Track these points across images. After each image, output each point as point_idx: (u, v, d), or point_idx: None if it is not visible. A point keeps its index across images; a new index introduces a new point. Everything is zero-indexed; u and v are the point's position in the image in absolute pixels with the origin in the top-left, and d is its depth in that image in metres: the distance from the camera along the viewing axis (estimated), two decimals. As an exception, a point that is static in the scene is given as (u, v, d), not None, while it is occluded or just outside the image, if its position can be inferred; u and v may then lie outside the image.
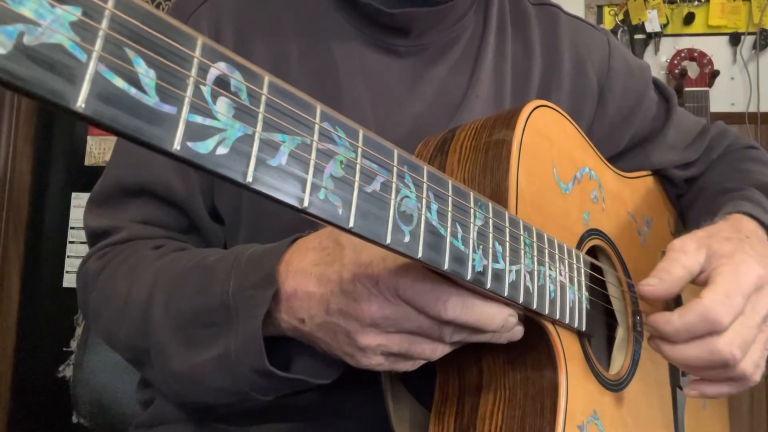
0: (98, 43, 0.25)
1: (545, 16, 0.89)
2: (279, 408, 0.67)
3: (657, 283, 0.59)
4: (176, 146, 0.27)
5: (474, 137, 0.64)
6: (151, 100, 0.27)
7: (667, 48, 2.39)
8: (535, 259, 0.54)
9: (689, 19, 2.39)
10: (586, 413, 0.61)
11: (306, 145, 0.34)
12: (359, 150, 0.38)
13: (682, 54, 2.30)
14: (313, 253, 0.55)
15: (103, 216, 0.77)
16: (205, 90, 0.29)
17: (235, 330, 0.57)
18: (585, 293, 0.63)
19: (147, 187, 0.75)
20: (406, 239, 0.40)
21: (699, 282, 0.61)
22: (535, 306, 0.54)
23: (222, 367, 0.59)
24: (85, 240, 0.80)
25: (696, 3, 2.40)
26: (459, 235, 0.45)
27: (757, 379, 0.62)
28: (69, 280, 2.57)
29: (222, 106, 0.30)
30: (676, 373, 0.82)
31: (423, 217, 0.42)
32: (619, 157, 0.92)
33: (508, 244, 0.51)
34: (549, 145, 0.66)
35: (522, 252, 0.52)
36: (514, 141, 0.61)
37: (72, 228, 2.62)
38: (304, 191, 0.34)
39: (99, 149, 2.66)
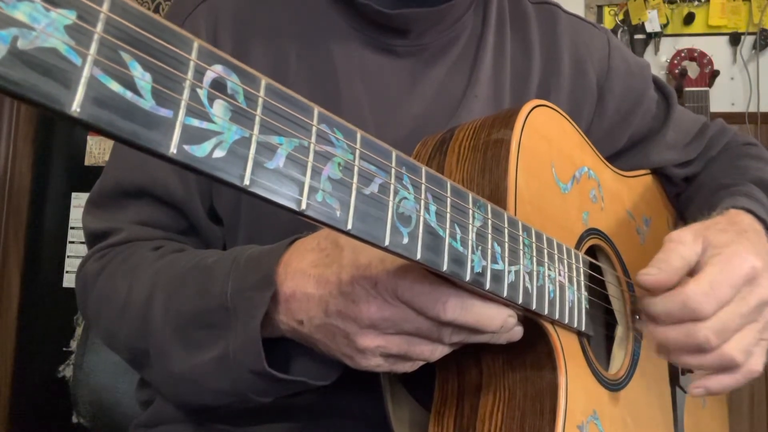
0: (93, 47, 0.25)
1: (545, 16, 0.88)
2: (278, 408, 0.67)
3: (657, 272, 0.59)
4: (173, 150, 0.27)
5: (473, 137, 0.64)
6: (147, 103, 0.26)
7: (667, 48, 2.39)
8: (534, 259, 0.54)
9: (689, 19, 2.39)
10: (586, 413, 0.61)
11: (303, 148, 0.34)
12: (357, 152, 0.38)
13: (682, 54, 2.30)
14: (311, 254, 0.55)
15: (102, 217, 0.77)
16: (202, 93, 0.29)
17: (234, 331, 0.57)
18: (584, 293, 0.63)
19: (146, 189, 0.75)
20: (405, 241, 0.40)
21: (695, 272, 0.61)
22: (534, 306, 0.54)
23: (221, 368, 0.59)
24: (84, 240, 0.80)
25: (696, 3, 2.40)
26: (458, 237, 0.45)
27: (756, 368, 0.62)
28: (69, 280, 2.57)
29: (219, 109, 0.30)
30: (676, 373, 0.82)
31: (421, 219, 0.42)
32: (618, 156, 0.91)
33: (507, 245, 0.51)
34: (548, 145, 0.66)
35: (521, 252, 0.52)
36: (512, 141, 0.60)
37: (72, 228, 2.62)
38: (301, 194, 0.34)
39: (99, 149, 2.66)
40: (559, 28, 0.87)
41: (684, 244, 0.61)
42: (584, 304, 0.62)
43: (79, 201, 2.62)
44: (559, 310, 0.57)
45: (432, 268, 0.43)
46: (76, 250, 2.60)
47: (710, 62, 2.27)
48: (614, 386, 0.68)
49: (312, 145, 0.35)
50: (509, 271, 0.50)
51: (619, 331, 0.74)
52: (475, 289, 0.49)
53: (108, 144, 2.61)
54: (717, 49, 2.34)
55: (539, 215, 0.61)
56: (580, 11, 2.41)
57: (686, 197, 0.94)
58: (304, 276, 0.54)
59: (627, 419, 0.68)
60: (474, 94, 0.79)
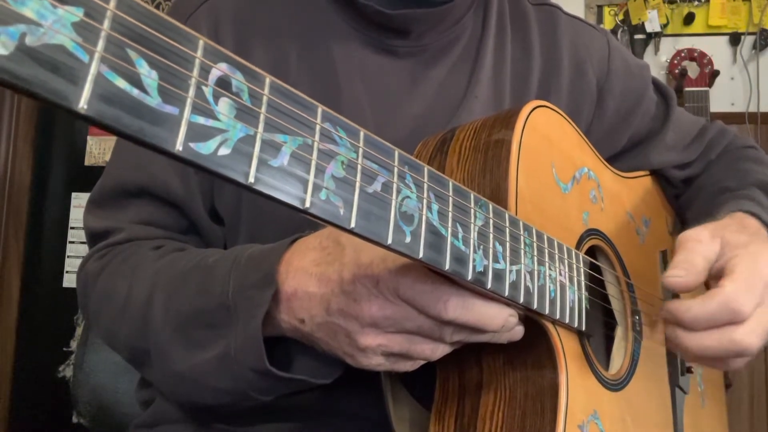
0: (100, 44, 0.25)
1: (545, 17, 0.89)
2: (279, 408, 0.67)
3: (684, 274, 0.59)
4: (178, 147, 0.27)
5: (473, 137, 0.64)
6: (154, 100, 0.27)
7: (667, 48, 2.39)
8: (535, 259, 0.54)
9: (689, 19, 2.39)
10: (587, 413, 0.61)
11: (307, 146, 0.35)
12: (360, 150, 0.38)
13: (682, 54, 2.30)
14: (313, 252, 0.55)
15: (103, 217, 0.77)
16: (207, 91, 0.29)
17: (235, 330, 0.57)
18: (585, 293, 0.63)
19: (146, 188, 0.75)
20: (407, 239, 0.40)
21: (713, 272, 0.61)
22: (535, 306, 0.54)
23: (222, 367, 0.59)
24: (85, 240, 0.80)
25: (696, 3, 2.40)
26: (460, 236, 0.45)
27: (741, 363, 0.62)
28: (69, 280, 2.57)
29: (224, 106, 0.30)
30: (675, 373, 0.83)
31: (424, 218, 0.42)
32: (618, 157, 0.92)
33: (508, 244, 0.51)
34: (548, 146, 0.66)
35: (522, 252, 0.52)
36: (513, 141, 0.61)
37: (72, 228, 2.62)
38: (305, 192, 0.34)
39: (99, 149, 2.65)
40: (559, 30, 0.88)
41: (702, 243, 0.61)
42: (585, 303, 0.63)
43: (79, 201, 2.61)
44: (559, 309, 0.57)
45: (434, 266, 0.43)
46: (76, 250, 2.60)
47: (710, 62, 2.27)
48: (614, 386, 0.68)
49: (316, 144, 0.35)
50: (511, 271, 0.50)
51: (619, 331, 0.74)
52: (477, 289, 0.49)
53: (108, 144, 2.61)
54: (717, 49, 2.34)
55: (540, 215, 0.61)
56: (580, 11, 2.41)
57: (686, 199, 0.94)
58: (306, 274, 0.55)
59: (627, 419, 0.68)
60: (474, 94, 0.79)
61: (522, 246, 0.53)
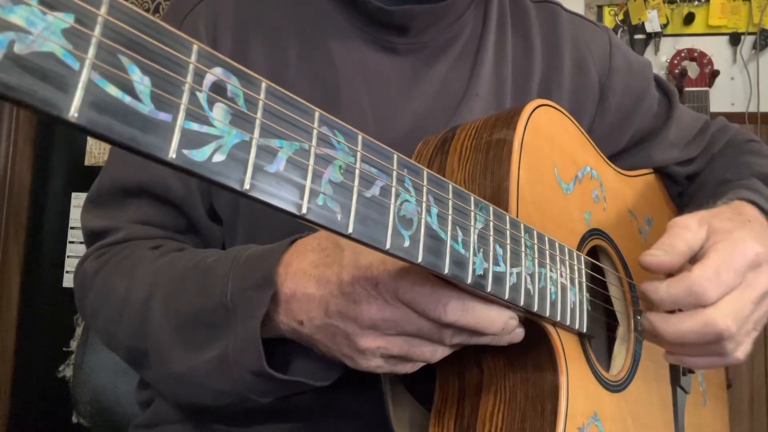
0: (91, 51, 0.24)
1: (546, 14, 0.88)
2: (278, 409, 0.67)
3: (662, 254, 0.59)
4: (172, 154, 0.27)
5: (474, 137, 0.63)
6: (146, 107, 0.26)
7: (667, 48, 2.39)
8: (536, 261, 0.54)
9: (689, 19, 2.39)
10: (587, 414, 0.61)
11: (304, 151, 0.34)
12: (358, 154, 0.38)
13: (682, 54, 2.30)
14: (312, 254, 0.55)
15: (101, 216, 0.77)
16: (201, 96, 0.29)
17: (234, 331, 0.57)
18: (586, 294, 0.62)
19: (145, 187, 0.74)
20: (406, 244, 0.40)
21: (698, 258, 0.61)
22: (536, 308, 0.53)
23: (220, 368, 0.59)
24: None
25: (696, 3, 2.40)
26: (459, 239, 0.45)
27: (740, 357, 0.62)
28: (69, 280, 2.57)
29: (218, 112, 0.30)
30: (677, 373, 0.82)
31: (423, 222, 0.42)
32: (621, 156, 0.91)
33: (509, 247, 0.50)
34: (550, 145, 0.65)
35: (523, 254, 0.52)
36: (515, 141, 0.60)
37: (72, 228, 2.62)
38: (302, 198, 0.34)
39: (99, 149, 2.65)
40: (560, 27, 0.87)
41: (689, 229, 0.61)
42: (586, 305, 0.62)
43: (79, 201, 2.61)
44: (560, 311, 0.57)
45: (434, 270, 0.43)
46: (76, 250, 2.60)
47: (710, 62, 2.27)
48: (615, 387, 0.68)
49: (313, 148, 0.35)
50: (511, 273, 0.50)
51: (621, 331, 0.74)
52: (477, 291, 0.48)
53: (108, 144, 2.61)
54: (717, 49, 2.34)
55: (541, 215, 0.61)
56: (580, 11, 2.38)
57: (688, 195, 0.94)
58: (305, 276, 0.54)
59: (628, 420, 0.68)
60: (475, 92, 0.79)
61: (523, 248, 0.52)
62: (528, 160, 0.61)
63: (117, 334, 0.69)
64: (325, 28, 0.78)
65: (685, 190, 0.96)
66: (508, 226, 0.51)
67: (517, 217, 0.56)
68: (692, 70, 2.27)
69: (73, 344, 2.51)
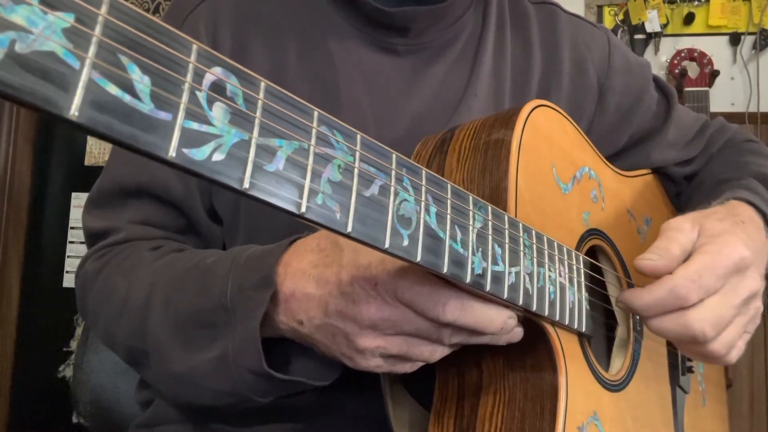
0: (92, 50, 0.25)
1: (545, 15, 0.88)
2: (278, 409, 0.67)
3: (657, 258, 0.59)
4: (172, 153, 0.27)
5: (473, 137, 0.64)
6: (146, 107, 0.26)
7: (667, 48, 2.39)
8: (535, 260, 0.54)
9: (689, 19, 2.39)
10: (586, 414, 0.61)
11: (303, 150, 0.34)
12: (357, 154, 0.38)
13: (682, 54, 2.30)
14: (311, 254, 0.55)
15: (102, 217, 0.77)
16: (201, 96, 0.29)
17: (233, 331, 0.57)
18: (585, 294, 0.63)
19: (145, 188, 0.74)
20: (405, 243, 0.40)
21: (687, 259, 0.62)
22: (534, 308, 0.53)
23: (220, 368, 0.59)
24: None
25: (696, 3, 2.40)
26: (458, 238, 0.45)
27: (732, 359, 0.63)
28: (69, 280, 2.57)
29: (218, 111, 0.30)
30: (676, 373, 0.82)
31: (422, 221, 0.42)
32: (619, 156, 0.91)
33: (507, 246, 0.50)
34: (548, 145, 0.65)
35: (521, 254, 0.52)
36: (513, 141, 0.60)
37: (72, 228, 2.62)
38: (301, 197, 0.34)
39: (99, 149, 2.66)
40: (560, 27, 0.87)
41: (682, 232, 0.61)
42: (585, 305, 0.62)
43: (79, 201, 2.62)
44: (559, 311, 0.57)
45: (432, 270, 0.43)
46: (76, 250, 2.60)
47: (710, 62, 2.27)
48: (614, 387, 0.68)
49: (312, 148, 0.35)
50: (510, 273, 0.50)
51: (620, 331, 0.74)
52: (476, 291, 0.48)
53: (108, 144, 2.60)
54: (717, 49, 2.34)
55: (540, 216, 0.61)
56: (580, 11, 2.41)
57: (687, 195, 0.94)
58: (304, 276, 0.54)
59: (627, 420, 0.68)
60: (474, 92, 0.79)
61: (521, 248, 0.52)
62: (526, 160, 0.61)
63: (117, 335, 0.69)
64: (325, 29, 0.78)
65: (683, 191, 0.96)
66: (506, 226, 0.51)
67: (516, 216, 0.56)
68: (692, 70, 2.27)
69: (73, 344, 2.51)
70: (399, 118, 0.77)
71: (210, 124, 0.29)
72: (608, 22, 2.45)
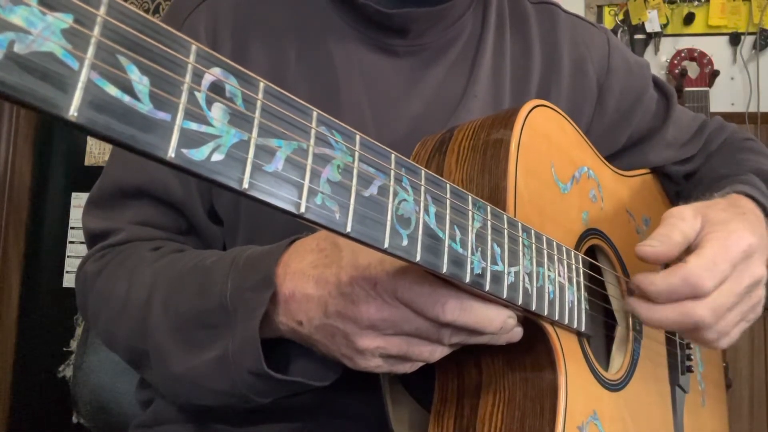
0: (90, 51, 0.25)
1: (544, 15, 0.88)
2: (278, 409, 0.67)
3: (658, 245, 0.59)
4: (171, 154, 0.27)
5: (472, 137, 0.64)
6: (145, 107, 0.26)
7: (667, 48, 2.39)
8: (534, 260, 0.54)
9: (689, 19, 2.39)
10: (586, 413, 0.61)
11: (302, 150, 0.34)
12: (356, 154, 0.38)
13: (682, 54, 2.30)
14: (311, 255, 0.55)
15: (102, 217, 0.77)
16: (200, 96, 0.29)
17: (233, 332, 0.57)
18: (584, 293, 0.63)
19: (145, 189, 0.75)
20: (404, 243, 0.40)
21: (692, 249, 0.62)
22: (534, 307, 0.53)
23: (220, 369, 0.59)
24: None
25: (696, 3, 2.40)
26: (457, 238, 0.45)
27: (722, 347, 0.63)
28: (69, 280, 2.57)
29: (217, 112, 0.30)
30: (676, 372, 0.82)
31: (421, 221, 0.42)
32: (617, 155, 0.91)
33: (506, 246, 0.50)
34: (547, 145, 0.66)
35: (521, 253, 0.52)
36: (512, 141, 0.60)
37: (72, 228, 2.62)
38: (300, 197, 0.34)
39: (99, 149, 2.66)
40: (559, 28, 0.87)
41: (684, 220, 0.61)
42: (584, 304, 0.62)
43: (79, 201, 2.62)
44: (558, 310, 0.57)
45: (432, 269, 0.43)
46: (76, 250, 2.60)
47: (710, 62, 2.27)
48: (614, 386, 0.68)
49: (311, 148, 0.35)
50: (509, 272, 0.50)
51: (619, 331, 0.74)
52: (475, 291, 0.49)
53: (108, 144, 2.60)
54: (717, 49, 2.34)
55: (539, 215, 0.61)
56: (580, 11, 2.41)
57: (686, 193, 0.94)
58: (304, 277, 0.54)
59: (627, 419, 0.68)
60: (473, 93, 0.79)
61: (520, 247, 0.52)
62: (525, 160, 0.61)
63: (117, 335, 0.69)
64: (325, 30, 0.78)
65: (682, 189, 0.96)
66: (505, 226, 0.51)
67: (515, 216, 0.56)
68: (692, 70, 2.27)
69: (73, 344, 2.51)
70: (398, 119, 0.77)
71: (209, 124, 0.29)
72: (608, 22, 2.44)
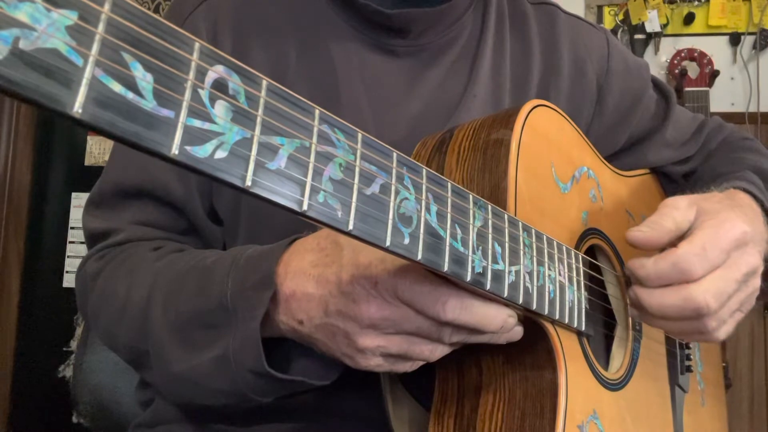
0: (95, 48, 0.25)
1: (544, 16, 0.88)
2: (279, 408, 0.67)
3: (648, 230, 0.59)
4: (174, 151, 0.27)
5: (472, 137, 0.64)
6: (149, 104, 0.26)
7: (667, 48, 2.39)
8: (535, 259, 0.54)
9: (689, 19, 2.39)
10: (586, 413, 0.61)
11: (305, 148, 0.34)
12: (358, 152, 0.38)
13: (682, 54, 2.30)
14: (311, 254, 0.55)
15: (102, 218, 0.77)
16: (203, 93, 0.29)
17: (234, 331, 0.57)
18: (584, 293, 0.63)
19: (145, 189, 0.75)
20: (406, 241, 0.40)
21: (685, 237, 0.62)
22: (534, 306, 0.54)
23: (220, 368, 0.59)
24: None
25: (696, 3, 2.40)
26: (458, 237, 0.45)
27: (720, 337, 0.63)
28: (69, 280, 2.57)
29: (220, 109, 0.30)
30: (675, 372, 0.83)
31: (422, 219, 0.42)
32: (617, 155, 0.92)
33: (507, 245, 0.51)
34: (547, 145, 0.66)
35: (521, 252, 0.52)
36: (512, 140, 0.61)
37: (72, 228, 2.62)
38: (303, 195, 0.34)
39: (99, 149, 2.66)
40: (559, 28, 0.87)
41: (678, 209, 0.62)
42: (584, 303, 0.62)
43: (79, 201, 2.62)
44: (559, 309, 0.57)
45: (433, 268, 0.43)
46: (76, 250, 2.60)
47: (710, 62, 2.27)
48: (614, 386, 0.68)
49: (313, 146, 0.35)
50: (510, 271, 0.50)
51: (619, 330, 0.74)
52: (476, 289, 0.49)
53: (108, 144, 2.61)
54: (717, 49, 2.34)
55: (539, 215, 0.61)
56: (580, 11, 2.41)
57: (686, 192, 0.94)
58: (304, 276, 0.54)
59: (627, 418, 0.68)
60: (473, 93, 0.79)
61: (521, 246, 0.52)
62: (525, 159, 0.61)
63: (118, 335, 0.69)
64: (325, 31, 0.78)
65: (681, 189, 0.96)
66: (506, 225, 0.51)
67: (516, 215, 0.56)
68: (692, 70, 2.27)
69: (73, 344, 2.51)
70: (398, 119, 0.77)
71: (212, 121, 0.29)
72: (608, 22, 2.45)
